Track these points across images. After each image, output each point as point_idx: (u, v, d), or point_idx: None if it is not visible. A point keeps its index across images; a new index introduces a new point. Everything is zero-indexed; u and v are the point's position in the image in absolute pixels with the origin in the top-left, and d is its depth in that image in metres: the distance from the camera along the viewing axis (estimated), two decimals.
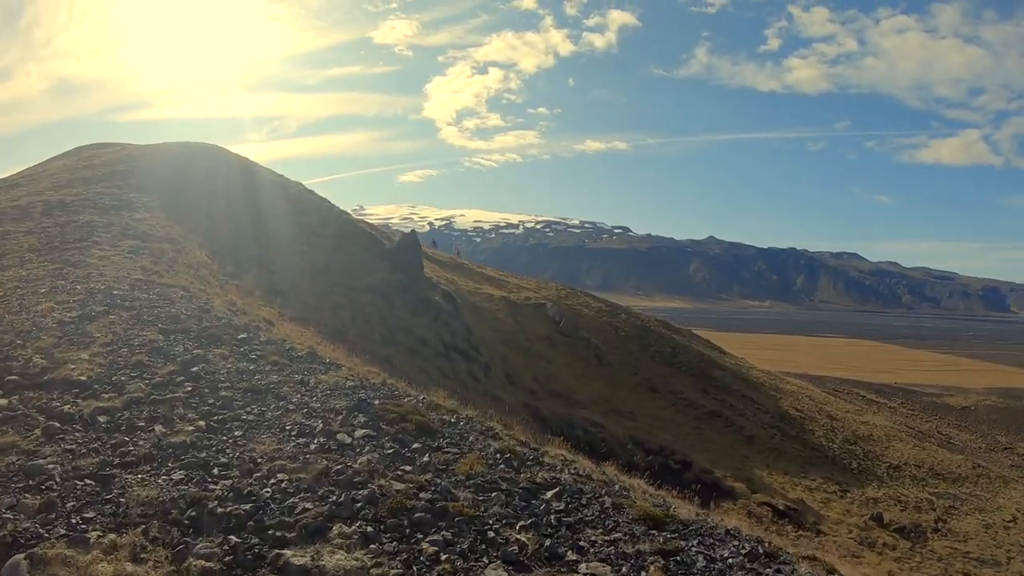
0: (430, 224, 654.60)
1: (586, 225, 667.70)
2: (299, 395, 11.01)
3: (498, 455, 9.70)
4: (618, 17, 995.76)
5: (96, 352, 11.52)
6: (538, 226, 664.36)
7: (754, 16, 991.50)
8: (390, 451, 9.21)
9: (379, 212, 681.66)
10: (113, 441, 8.61)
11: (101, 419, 9.14)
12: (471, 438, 10.29)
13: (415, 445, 9.50)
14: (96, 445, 8.48)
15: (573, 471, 9.79)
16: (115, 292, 15.26)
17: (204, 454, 8.57)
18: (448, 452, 9.48)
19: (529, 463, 9.72)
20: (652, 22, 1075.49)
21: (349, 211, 49.01)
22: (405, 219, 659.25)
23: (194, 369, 11.39)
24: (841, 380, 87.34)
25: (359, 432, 9.71)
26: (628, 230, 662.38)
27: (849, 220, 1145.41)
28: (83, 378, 10.30)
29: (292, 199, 41.05)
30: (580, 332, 52.71)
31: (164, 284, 16.94)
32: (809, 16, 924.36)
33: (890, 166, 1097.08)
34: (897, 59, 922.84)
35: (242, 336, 13.93)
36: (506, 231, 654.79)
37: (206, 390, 10.60)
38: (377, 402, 10.81)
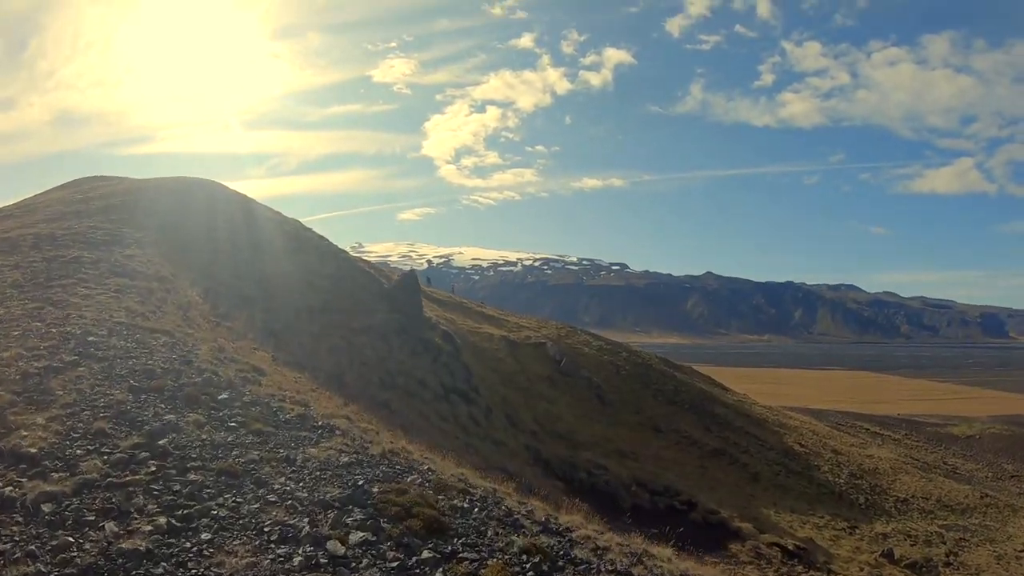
0: (428, 262, 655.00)
1: (584, 262, 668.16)
2: (283, 478, 9.50)
3: (524, 558, 8.47)
4: (614, 55, 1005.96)
5: (54, 415, 10.27)
6: (536, 263, 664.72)
7: (748, 52, 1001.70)
8: (394, 564, 7.86)
9: (378, 250, 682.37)
10: (55, 542, 7.31)
11: (45, 508, 7.83)
12: (489, 532, 8.99)
13: (424, 554, 8.14)
14: (34, 546, 7.22)
15: (609, 567, 8.84)
16: (90, 338, 14.25)
17: (160, 570, 7.15)
18: (465, 559, 8.21)
19: (560, 563, 8.65)
20: (647, 60, 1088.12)
21: (348, 248, 48.57)
22: (404, 257, 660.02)
23: (162, 442, 9.86)
24: (843, 413, 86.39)
25: (355, 536, 8.25)
26: (626, 267, 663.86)
27: (846, 252, 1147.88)
28: (33, 450, 9.04)
29: (289, 236, 40.54)
30: (581, 371, 52.11)
31: (147, 328, 15.93)
32: (802, 51, 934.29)
33: (885, 197, 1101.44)
34: (889, 90, 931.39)
35: (223, 396, 12.42)
36: (504, 269, 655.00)
37: (172, 471, 9.09)
38: (376, 489, 9.32)
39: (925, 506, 47.69)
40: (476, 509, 9.38)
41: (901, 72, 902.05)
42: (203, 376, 13.27)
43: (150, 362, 13.47)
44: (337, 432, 11.88)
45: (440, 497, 9.34)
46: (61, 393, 11.14)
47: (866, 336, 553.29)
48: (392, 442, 12.45)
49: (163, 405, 11.47)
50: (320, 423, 12.25)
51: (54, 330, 14.44)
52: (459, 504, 9.37)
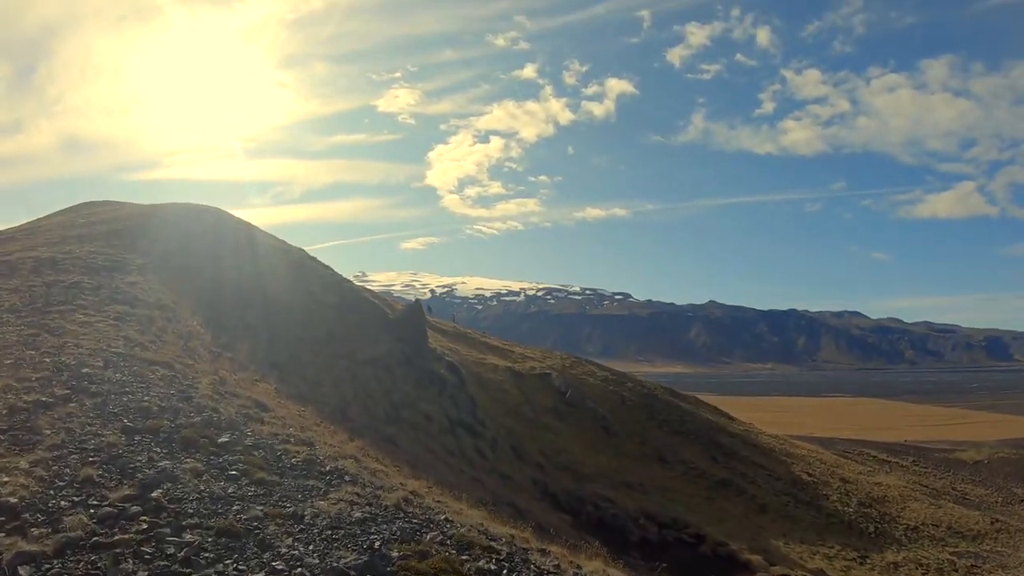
0: (432, 291, 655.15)
1: (587, 292, 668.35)
2: (291, 539, 8.31)
3: None
4: (616, 86, 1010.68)
5: (39, 459, 9.30)
6: (539, 293, 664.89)
7: (748, 81, 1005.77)
8: None
9: (381, 279, 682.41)
10: None
11: (23, 573, 6.90)
12: None
13: None
14: None
15: None
16: (85, 370, 13.41)
17: None
18: None
19: None
20: (649, 90, 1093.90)
21: (351, 278, 48.31)
22: (407, 286, 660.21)
23: (155, 493, 8.75)
24: (850, 441, 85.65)
25: None
26: (629, 296, 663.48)
27: (849, 279, 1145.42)
28: (13, 500, 8.07)
29: (294, 265, 40.22)
30: (586, 402, 51.73)
31: (145, 360, 15.16)
32: (802, 79, 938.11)
33: (887, 223, 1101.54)
34: (889, 117, 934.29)
35: (224, 439, 11.40)
36: (507, 298, 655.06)
37: (166, 530, 7.94)
38: (396, 553, 8.27)
39: (936, 533, 47.26)
40: (504, 571, 8.58)
41: (900, 98, 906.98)
42: (203, 415, 12.44)
43: (146, 398, 12.66)
44: (347, 478, 10.96)
45: (465, 558, 8.54)
46: (49, 432, 10.33)
47: (870, 362, 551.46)
48: (403, 485, 11.63)
49: (158, 449, 10.56)
50: (328, 467, 11.34)
51: (48, 360, 13.75)
52: (485, 567, 8.52)
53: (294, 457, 11.42)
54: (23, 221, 42.71)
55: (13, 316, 17.21)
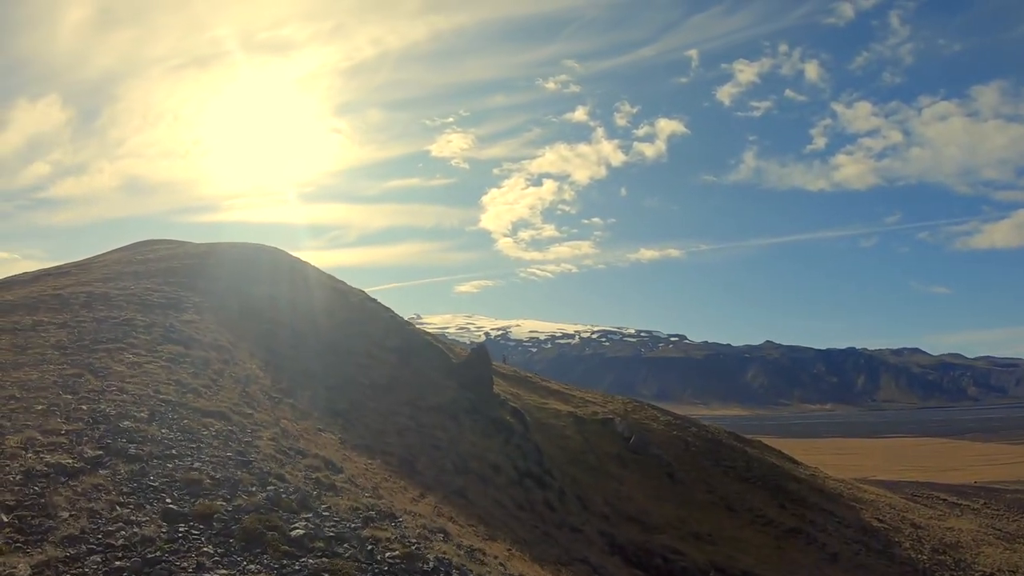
0: (486, 334, 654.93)
1: (642, 334, 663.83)
2: None
3: None
4: (666, 126, 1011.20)
5: (46, 559, 7.05)
6: (594, 336, 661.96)
7: (798, 116, 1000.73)
8: None
9: (436, 321, 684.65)
10: None
11: None
12: None
13: None
14: None
15: None
16: (125, 423, 11.41)
17: None
18: None
19: None
20: (700, 129, 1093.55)
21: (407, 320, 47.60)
22: (461, 329, 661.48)
23: None
24: (917, 484, 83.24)
25: None
26: (684, 338, 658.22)
27: (907, 314, 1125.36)
28: None
29: (354, 308, 39.51)
30: (650, 448, 50.39)
31: (198, 410, 13.50)
32: (852, 112, 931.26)
33: (944, 256, 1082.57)
34: (942, 146, 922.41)
35: (299, 530, 8.84)
36: (562, 341, 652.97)
37: None
38: None
39: None
40: None
41: (952, 126, 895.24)
42: (267, 489, 10.12)
43: (196, 464, 10.47)
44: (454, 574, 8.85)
45: None
46: (66, 515, 8.05)
47: (931, 400, 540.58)
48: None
49: (211, 548, 8.04)
50: (430, 562, 8.99)
51: (85, 407, 11.98)
52: None
53: (388, 550, 9.07)
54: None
55: (58, 353, 16.16)
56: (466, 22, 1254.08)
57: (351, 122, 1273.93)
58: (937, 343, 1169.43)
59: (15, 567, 6.85)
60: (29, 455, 9.55)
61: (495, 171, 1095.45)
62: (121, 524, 8.13)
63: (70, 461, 9.55)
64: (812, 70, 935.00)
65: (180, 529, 8.27)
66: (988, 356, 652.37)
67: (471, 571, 9.77)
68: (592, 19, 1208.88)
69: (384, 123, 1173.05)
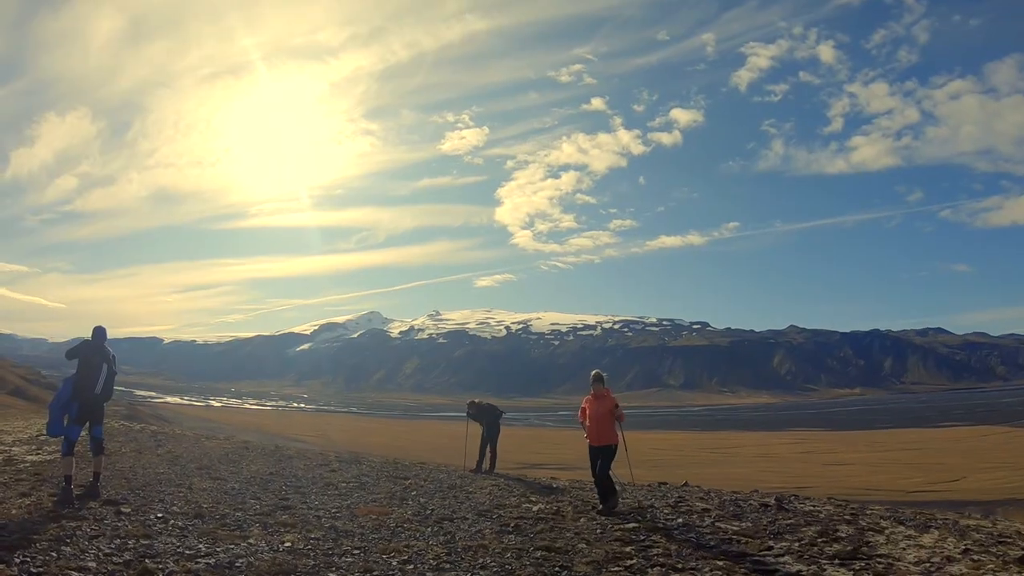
0: (507, 328, 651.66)
1: (664, 323, 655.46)
2: None
3: None
4: (681, 115, 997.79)
5: None
6: (616, 326, 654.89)
7: (815, 99, 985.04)
8: None
9: (455, 317, 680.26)
10: None
11: None
12: None
13: None
14: None
15: None
16: None
17: None
18: None
19: None
20: (716, 116, 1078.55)
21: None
22: (481, 323, 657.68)
23: None
24: None
25: None
26: (707, 325, 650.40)
27: (930, 294, 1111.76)
28: None
29: None
30: None
31: None
32: (868, 91, 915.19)
33: (967, 233, 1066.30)
34: (959, 124, 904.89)
35: None
36: (584, 333, 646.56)
37: None
38: None
39: None
40: None
41: (969, 104, 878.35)
42: None
43: None
44: None
45: None
46: None
47: (961, 382, 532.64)
48: None
49: None
50: None
51: None
52: None
53: None
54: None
55: None
56: (504, 24, 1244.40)
57: (384, 124, 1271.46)
58: (961, 322, 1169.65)
59: None
60: None
61: (515, 164, 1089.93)
62: None
63: None
64: (827, 52, 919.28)
65: None
66: (1014, 334, 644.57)
67: None
68: (628, 18, 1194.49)
69: (417, 125, 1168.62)
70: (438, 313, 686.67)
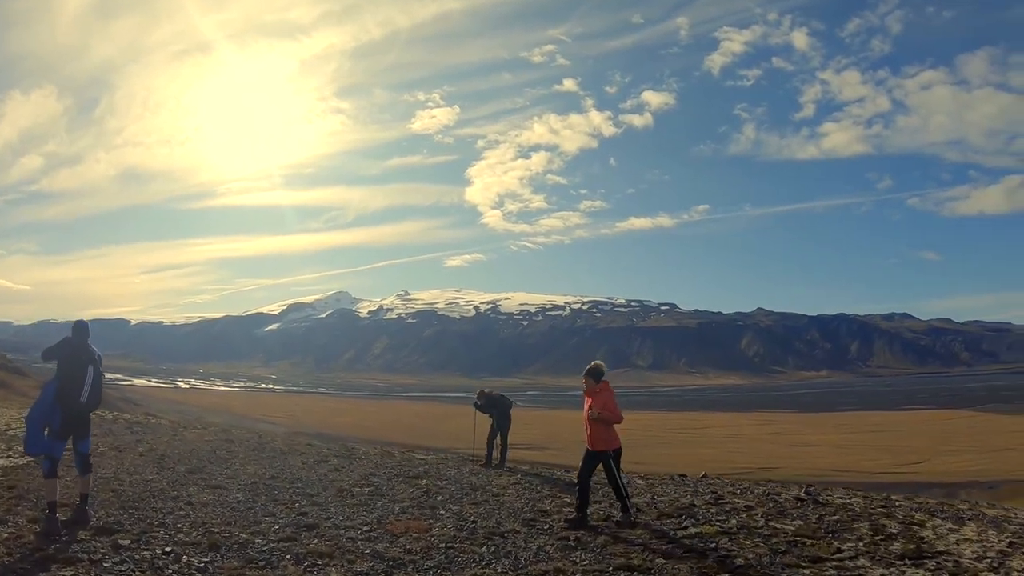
0: (475, 308, 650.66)
1: (632, 304, 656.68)
2: None
3: None
4: (653, 98, 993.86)
5: None
6: (585, 307, 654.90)
7: (788, 85, 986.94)
8: None
9: (425, 297, 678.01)
10: None
11: None
12: None
13: None
14: None
15: None
16: None
17: None
18: None
19: None
20: (688, 100, 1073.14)
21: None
22: (451, 303, 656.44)
23: None
24: (1018, 483, 73.57)
25: None
26: (675, 306, 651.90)
27: (897, 280, 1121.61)
28: None
29: None
30: None
31: None
32: (840, 79, 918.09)
33: (935, 221, 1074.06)
34: (930, 114, 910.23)
35: None
36: (553, 313, 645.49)
37: None
38: None
39: None
40: None
41: (940, 94, 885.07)
42: None
43: None
44: None
45: None
46: None
47: (926, 366, 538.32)
48: None
49: None
50: None
51: None
52: None
53: None
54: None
55: None
56: (478, 3, 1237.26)
57: (356, 102, 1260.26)
58: (927, 308, 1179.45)
59: None
60: None
61: (486, 143, 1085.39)
62: None
63: None
64: (800, 39, 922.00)
65: None
66: (977, 321, 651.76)
67: None
68: (602, 0, 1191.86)
69: (388, 103, 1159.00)
70: (407, 293, 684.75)
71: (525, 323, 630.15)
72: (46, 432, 11.88)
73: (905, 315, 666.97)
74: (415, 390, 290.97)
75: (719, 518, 14.20)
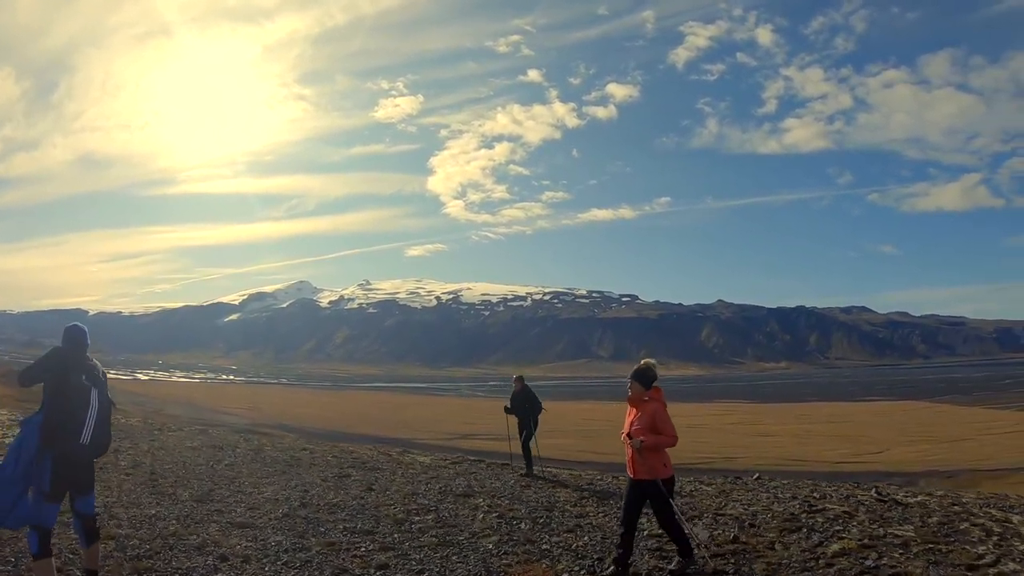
0: (437, 298, 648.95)
1: (594, 294, 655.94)
2: None
3: None
4: (617, 90, 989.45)
5: None
6: (546, 297, 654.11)
7: (751, 81, 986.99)
8: None
9: (386, 287, 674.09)
10: None
11: None
12: None
13: None
14: None
15: None
16: None
17: None
18: None
19: None
20: (652, 93, 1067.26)
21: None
22: (412, 293, 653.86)
23: None
24: (976, 472, 75.41)
25: None
26: (636, 297, 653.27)
27: (856, 273, 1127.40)
28: None
29: None
30: None
31: None
32: (804, 76, 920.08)
33: (894, 217, 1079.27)
34: (891, 112, 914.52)
35: None
36: (514, 303, 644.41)
37: None
38: None
39: None
40: None
41: (902, 93, 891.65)
42: None
43: None
44: None
45: None
46: None
47: (883, 359, 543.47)
48: None
49: None
50: None
51: None
52: None
53: None
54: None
55: None
56: None
57: (318, 88, 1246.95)
58: (884, 301, 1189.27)
59: None
60: None
61: (449, 133, 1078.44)
62: None
63: None
64: (765, 35, 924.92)
65: None
66: (934, 314, 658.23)
67: None
68: None
69: (351, 91, 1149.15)
70: (368, 283, 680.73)
71: (487, 313, 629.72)
72: (30, 494, 7.66)
73: (863, 308, 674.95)
74: (376, 380, 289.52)
75: (835, 527, 12.37)
